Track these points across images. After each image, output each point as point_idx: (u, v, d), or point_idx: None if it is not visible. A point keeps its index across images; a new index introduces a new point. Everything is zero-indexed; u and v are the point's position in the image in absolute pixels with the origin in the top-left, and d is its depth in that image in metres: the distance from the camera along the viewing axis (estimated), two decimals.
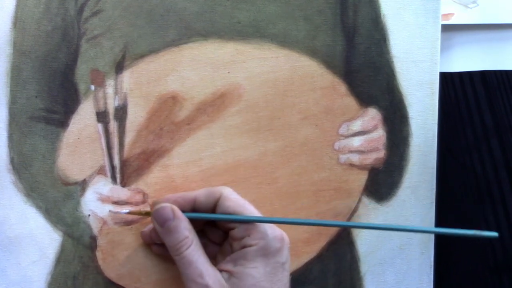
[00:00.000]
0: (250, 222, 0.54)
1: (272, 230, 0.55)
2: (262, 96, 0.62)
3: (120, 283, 0.59)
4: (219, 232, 0.58)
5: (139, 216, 0.58)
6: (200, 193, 0.56)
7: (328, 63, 0.64)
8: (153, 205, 0.57)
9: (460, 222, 0.77)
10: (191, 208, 0.56)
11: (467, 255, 0.78)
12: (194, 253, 0.54)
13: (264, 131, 0.62)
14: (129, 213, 0.57)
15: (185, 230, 0.54)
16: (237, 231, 0.55)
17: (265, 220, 0.55)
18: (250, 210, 0.55)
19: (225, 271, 0.54)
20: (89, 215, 0.57)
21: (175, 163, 0.59)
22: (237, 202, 0.55)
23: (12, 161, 0.54)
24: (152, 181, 0.59)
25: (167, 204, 0.55)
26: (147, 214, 0.57)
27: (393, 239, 0.69)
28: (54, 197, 0.56)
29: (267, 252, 0.54)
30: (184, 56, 0.59)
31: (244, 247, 0.54)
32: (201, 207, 0.56)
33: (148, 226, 0.58)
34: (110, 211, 0.57)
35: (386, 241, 0.68)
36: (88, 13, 0.56)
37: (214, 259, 0.57)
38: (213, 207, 0.55)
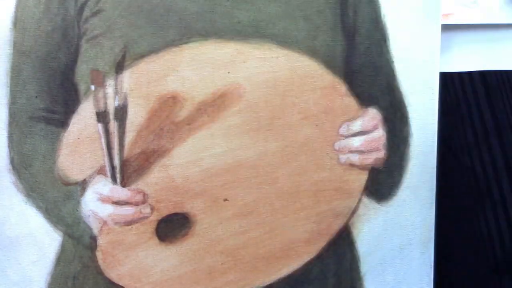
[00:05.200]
0: None
1: None
2: (262, 96, 0.62)
3: (120, 283, 0.59)
4: None
5: (139, 217, 0.58)
6: None
7: (328, 63, 0.64)
8: None
9: (460, 222, 0.77)
10: None
11: (467, 255, 0.77)
12: None
13: (264, 131, 0.62)
14: None
15: None
16: None
17: None
18: None
19: None
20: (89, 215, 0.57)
21: (175, 163, 0.59)
22: None
23: (12, 161, 0.54)
24: (152, 181, 0.59)
25: None
26: None
27: (393, 239, 0.69)
28: (54, 197, 0.56)
29: None
30: (184, 56, 0.59)
31: None
32: None
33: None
34: None
35: (386, 241, 0.68)
36: (88, 13, 0.56)
37: None
38: None
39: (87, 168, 0.57)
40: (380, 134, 0.67)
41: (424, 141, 0.69)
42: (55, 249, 0.56)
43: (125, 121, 0.57)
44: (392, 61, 0.67)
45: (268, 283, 0.64)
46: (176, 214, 0.56)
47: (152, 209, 0.58)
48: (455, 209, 0.77)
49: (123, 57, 0.57)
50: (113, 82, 0.57)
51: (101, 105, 0.56)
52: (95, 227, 0.57)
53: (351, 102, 0.65)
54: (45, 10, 0.54)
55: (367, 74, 0.65)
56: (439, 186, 0.71)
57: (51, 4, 0.54)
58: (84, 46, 0.56)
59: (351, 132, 0.65)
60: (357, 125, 0.65)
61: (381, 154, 0.67)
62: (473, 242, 0.78)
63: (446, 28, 0.72)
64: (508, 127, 0.77)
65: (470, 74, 0.76)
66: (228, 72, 0.60)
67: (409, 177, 0.69)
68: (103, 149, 0.57)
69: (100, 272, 0.58)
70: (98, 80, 0.56)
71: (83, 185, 0.57)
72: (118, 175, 0.57)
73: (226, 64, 0.60)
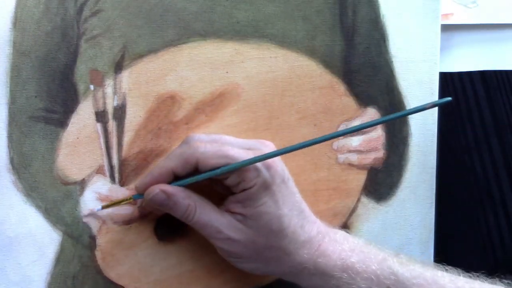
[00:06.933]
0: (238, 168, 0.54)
1: (260, 162, 0.54)
2: (261, 96, 0.62)
3: (120, 282, 0.59)
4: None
5: (138, 216, 0.58)
6: (176, 166, 0.55)
7: (327, 63, 0.64)
8: (136, 190, 0.57)
9: (460, 222, 0.77)
10: (173, 177, 0.55)
11: (467, 255, 0.77)
12: (203, 215, 0.55)
13: (262, 130, 0.62)
14: (108, 206, 0.57)
15: (184, 200, 0.54)
16: (230, 180, 0.55)
17: (250, 162, 0.54)
18: (233, 156, 0.54)
19: (238, 213, 0.55)
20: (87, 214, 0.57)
21: None
22: (217, 154, 0.54)
23: (11, 161, 0.54)
24: None
25: (156, 189, 0.55)
26: (128, 200, 0.57)
27: (393, 239, 0.69)
28: (54, 196, 0.56)
29: (267, 185, 0.54)
30: (183, 56, 0.59)
31: (244, 190, 0.54)
32: (183, 175, 0.55)
33: (139, 201, 0.58)
34: (90, 211, 0.57)
35: (386, 241, 0.68)
36: (87, 13, 0.56)
37: (223, 199, 0.57)
38: (195, 170, 0.55)
39: (86, 167, 0.57)
40: (379, 134, 0.67)
41: (423, 141, 0.69)
42: (54, 249, 0.57)
43: (124, 121, 0.57)
44: (392, 61, 0.67)
45: (268, 282, 0.64)
46: None
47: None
48: (455, 209, 0.77)
49: (122, 57, 0.57)
50: (112, 82, 0.57)
51: (100, 104, 0.57)
52: (94, 226, 0.57)
53: (349, 102, 0.65)
54: (45, 10, 0.54)
55: (366, 74, 0.65)
56: (439, 186, 0.71)
57: (50, 4, 0.54)
58: (84, 46, 0.56)
59: None
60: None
61: (380, 154, 0.67)
62: (473, 242, 0.77)
63: (446, 28, 0.72)
64: (508, 127, 0.76)
65: (470, 74, 0.76)
66: (227, 72, 0.60)
67: (408, 177, 0.69)
68: (101, 148, 0.57)
69: (99, 272, 0.58)
70: (97, 80, 0.56)
71: (82, 184, 0.57)
72: (116, 175, 0.58)
73: (224, 64, 0.60)
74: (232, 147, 0.55)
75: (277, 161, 0.56)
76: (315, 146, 0.64)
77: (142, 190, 0.56)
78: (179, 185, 0.55)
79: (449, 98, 0.53)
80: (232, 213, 0.55)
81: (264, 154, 0.54)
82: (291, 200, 0.56)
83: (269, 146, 0.57)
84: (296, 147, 0.55)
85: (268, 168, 0.55)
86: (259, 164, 0.54)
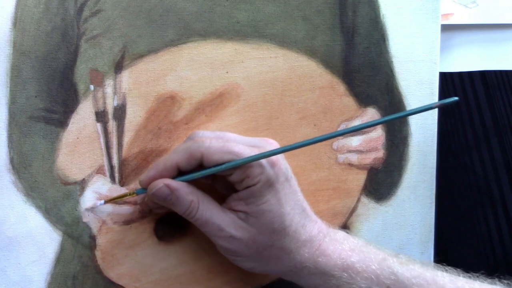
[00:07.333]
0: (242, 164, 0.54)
1: (265, 159, 0.54)
2: (261, 96, 0.62)
3: (120, 282, 0.59)
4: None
5: (138, 216, 0.58)
6: (181, 161, 0.55)
7: (327, 63, 0.64)
8: (140, 184, 0.57)
9: (460, 222, 0.77)
10: (177, 172, 0.55)
11: (467, 255, 0.77)
12: (205, 212, 0.55)
13: (262, 130, 0.62)
14: (111, 200, 0.57)
15: (187, 196, 0.54)
16: (234, 176, 0.55)
17: (255, 158, 0.54)
18: (238, 152, 0.54)
19: (240, 211, 0.55)
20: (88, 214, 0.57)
21: None
22: (222, 150, 0.54)
23: (11, 160, 0.55)
24: None
25: (160, 184, 0.54)
26: (131, 194, 0.57)
27: (393, 239, 0.69)
28: (54, 196, 0.56)
29: (271, 182, 0.54)
30: (183, 56, 0.59)
31: (247, 187, 0.54)
32: (187, 169, 0.55)
33: (141, 197, 0.58)
34: (87, 209, 0.57)
35: (386, 241, 0.68)
36: (87, 13, 0.56)
37: (224, 199, 0.57)
38: (200, 165, 0.55)
39: (86, 167, 0.57)
40: (379, 134, 0.67)
41: (423, 141, 0.69)
42: (54, 249, 0.57)
43: (124, 121, 0.57)
44: (391, 61, 0.67)
45: (267, 282, 0.64)
46: (174, 213, 0.56)
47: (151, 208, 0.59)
48: (455, 209, 0.77)
49: (122, 57, 0.57)
50: (112, 82, 0.57)
51: (100, 104, 0.57)
52: (94, 226, 0.57)
53: (349, 102, 0.65)
54: (45, 10, 0.54)
55: (366, 74, 0.65)
56: (439, 186, 0.71)
57: (50, 4, 0.54)
58: (84, 46, 0.56)
59: None
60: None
61: (380, 154, 0.67)
62: (473, 242, 0.77)
63: (446, 28, 0.72)
64: (508, 127, 0.76)
65: (470, 74, 0.76)
66: (227, 72, 0.60)
67: (408, 177, 0.69)
68: (101, 148, 0.57)
69: (99, 272, 0.58)
70: (97, 80, 0.56)
71: (82, 184, 0.57)
72: (116, 175, 0.58)
73: (224, 64, 0.60)
74: (237, 144, 0.55)
75: (281, 160, 0.56)
76: (315, 146, 0.64)
77: (146, 184, 0.56)
78: (183, 181, 0.55)
79: (456, 98, 0.53)
80: (234, 211, 0.55)
81: (270, 151, 0.54)
82: (293, 199, 0.56)
83: (272, 144, 0.57)
84: (301, 144, 0.55)
85: (273, 165, 0.55)
86: (263, 161, 0.54)
